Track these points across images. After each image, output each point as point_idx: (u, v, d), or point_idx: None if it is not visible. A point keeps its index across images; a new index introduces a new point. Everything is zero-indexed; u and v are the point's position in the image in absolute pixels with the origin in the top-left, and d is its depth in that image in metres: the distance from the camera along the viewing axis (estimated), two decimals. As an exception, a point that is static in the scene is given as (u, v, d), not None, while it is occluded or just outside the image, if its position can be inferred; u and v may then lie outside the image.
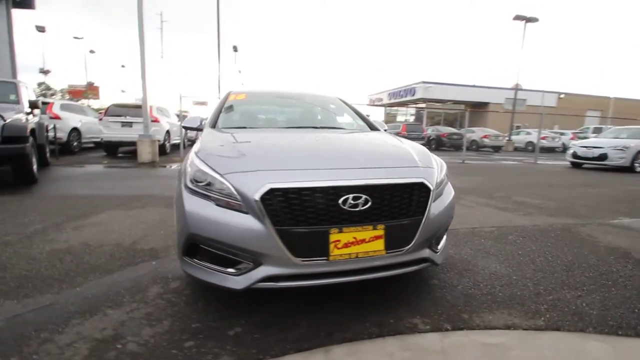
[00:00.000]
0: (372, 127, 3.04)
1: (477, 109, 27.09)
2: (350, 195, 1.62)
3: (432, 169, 1.94)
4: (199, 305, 1.90)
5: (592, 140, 10.58)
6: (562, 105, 30.22)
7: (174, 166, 8.21)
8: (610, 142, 9.76)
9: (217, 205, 1.66)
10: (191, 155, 1.97)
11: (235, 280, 1.65)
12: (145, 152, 8.53)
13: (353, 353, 1.51)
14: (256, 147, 2.05)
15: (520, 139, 21.89)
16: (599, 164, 9.87)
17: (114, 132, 9.60)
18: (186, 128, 3.02)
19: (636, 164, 9.26)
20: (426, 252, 1.87)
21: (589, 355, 1.53)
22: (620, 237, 3.25)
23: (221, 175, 1.69)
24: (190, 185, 1.77)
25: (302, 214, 1.59)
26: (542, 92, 27.73)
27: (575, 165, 10.61)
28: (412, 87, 29.30)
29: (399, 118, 34.81)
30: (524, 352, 1.53)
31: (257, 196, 1.56)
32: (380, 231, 1.67)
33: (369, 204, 1.64)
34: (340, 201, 1.61)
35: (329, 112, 3.28)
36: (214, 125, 2.72)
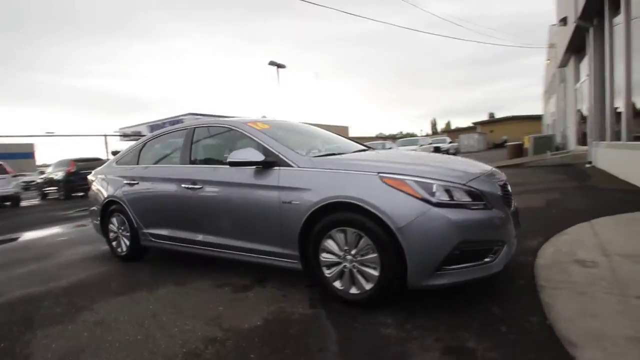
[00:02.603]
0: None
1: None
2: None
3: None
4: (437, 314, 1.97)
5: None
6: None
7: None
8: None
9: (469, 209, 1.94)
10: (398, 177, 1.99)
11: (491, 266, 1.99)
12: None
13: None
14: (429, 162, 2.32)
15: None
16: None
17: None
18: (240, 164, 2.44)
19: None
20: None
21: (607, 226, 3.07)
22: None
23: (463, 184, 1.97)
24: (435, 200, 1.90)
25: (508, 197, 2.21)
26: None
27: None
28: (180, 118, 28.30)
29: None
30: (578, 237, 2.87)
31: (500, 192, 2.03)
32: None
33: None
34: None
35: (337, 137, 3.56)
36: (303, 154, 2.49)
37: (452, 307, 2.05)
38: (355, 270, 2.11)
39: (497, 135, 40.40)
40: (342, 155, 2.54)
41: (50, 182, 13.07)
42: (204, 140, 3.13)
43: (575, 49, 10.98)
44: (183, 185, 2.94)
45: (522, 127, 36.84)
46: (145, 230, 3.33)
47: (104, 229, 3.80)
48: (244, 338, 1.90)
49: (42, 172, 16.27)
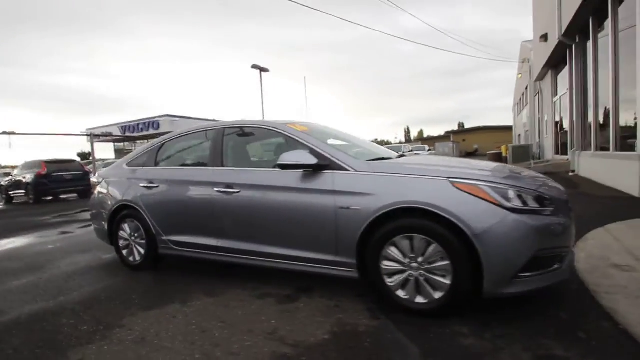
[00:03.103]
0: None
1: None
2: None
3: None
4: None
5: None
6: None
7: None
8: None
9: (542, 215, 1.93)
10: (471, 182, 1.94)
11: (561, 273, 1.99)
12: None
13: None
14: (489, 168, 2.29)
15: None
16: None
17: None
18: (291, 167, 2.32)
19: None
20: None
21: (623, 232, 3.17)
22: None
23: (534, 190, 1.97)
24: (512, 206, 1.87)
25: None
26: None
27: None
28: (155, 120, 27.38)
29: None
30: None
31: (565, 197, 2.04)
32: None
33: None
34: None
35: (369, 142, 3.50)
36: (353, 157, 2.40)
37: (522, 315, 2.02)
38: (422, 278, 2.04)
39: (469, 144, 42.09)
40: (397, 159, 2.48)
41: (17, 184, 12.07)
42: (238, 141, 2.96)
43: (554, 63, 11.67)
44: (215, 189, 2.75)
45: (493, 137, 38.64)
46: (165, 237, 3.09)
47: (112, 235, 3.50)
48: (318, 354, 1.77)
49: (8, 174, 15.00)
